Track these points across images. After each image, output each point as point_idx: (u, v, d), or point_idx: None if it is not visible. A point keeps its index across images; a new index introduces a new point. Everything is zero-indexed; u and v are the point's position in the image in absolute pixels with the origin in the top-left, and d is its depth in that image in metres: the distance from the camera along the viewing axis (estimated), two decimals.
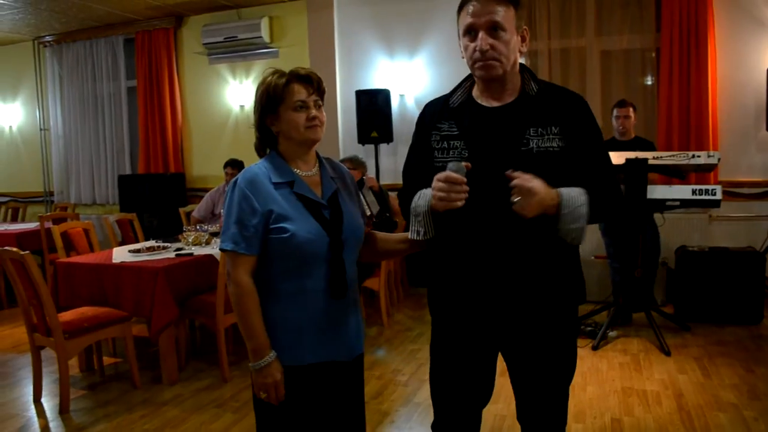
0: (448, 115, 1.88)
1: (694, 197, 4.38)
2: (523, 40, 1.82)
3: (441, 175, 1.70)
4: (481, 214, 1.76)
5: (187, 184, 7.65)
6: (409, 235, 1.88)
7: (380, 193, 5.20)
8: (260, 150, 1.95)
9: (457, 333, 1.90)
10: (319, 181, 1.92)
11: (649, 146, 5.13)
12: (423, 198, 1.81)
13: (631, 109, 5.14)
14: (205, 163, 7.66)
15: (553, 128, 1.77)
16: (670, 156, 4.44)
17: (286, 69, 1.88)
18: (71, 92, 8.25)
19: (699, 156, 4.37)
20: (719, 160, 4.42)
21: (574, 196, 1.71)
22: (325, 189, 1.90)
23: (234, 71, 7.36)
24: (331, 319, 1.86)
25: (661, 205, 4.53)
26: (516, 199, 1.65)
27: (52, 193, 8.61)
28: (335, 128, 6.76)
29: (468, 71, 1.88)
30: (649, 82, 6.11)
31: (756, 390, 3.64)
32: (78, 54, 8.16)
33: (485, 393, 1.98)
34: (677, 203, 4.45)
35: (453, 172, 1.68)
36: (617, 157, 4.50)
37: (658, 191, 4.46)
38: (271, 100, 1.85)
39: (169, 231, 6.30)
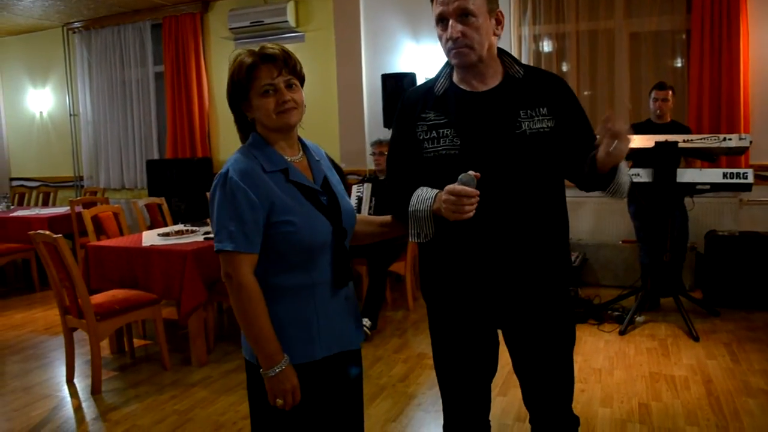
0: (433, 104, 1.84)
1: (725, 181, 4.31)
2: (498, 23, 1.80)
3: (454, 188, 1.64)
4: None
5: (214, 168, 7.71)
6: (410, 238, 1.81)
7: None
8: (241, 135, 1.82)
9: (455, 314, 1.90)
10: (308, 166, 1.80)
11: (686, 131, 5.05)
12: (423, 202, 1.75)
13: (670, 93, 5.05)
14: (231, 148, 7.64)
15: (541, 109, 1.78)
16: (700, 139, 4.37)
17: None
18: (100, 78, 8.35)
19: (730, 139, 4.29)
20: (751, 143, 4.34)
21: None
22: (315, 174, 1.79)
23: None
24: (338, 309, 1.78)
25: (691, 188, 4.47)
26: (614, 144, 1.61)
27: (81, 178, 8.74)
28: (361, 112, 6.74)
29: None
30: (679, 65, 6.00)
31: None
32: (106, 40, 8.24)
33: (489, 367, 1.98)
34: (707, 187, 4.38)
35: (464, 184, 1.63)
36: (647, 140, 4.45)
37: (688, 174, 4.39)
38: (238, 87, 1.70)
39: (197, 215, 6.37)
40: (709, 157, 4.87)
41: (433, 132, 1.82)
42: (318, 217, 1.70)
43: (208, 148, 7.78)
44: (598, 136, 1.65)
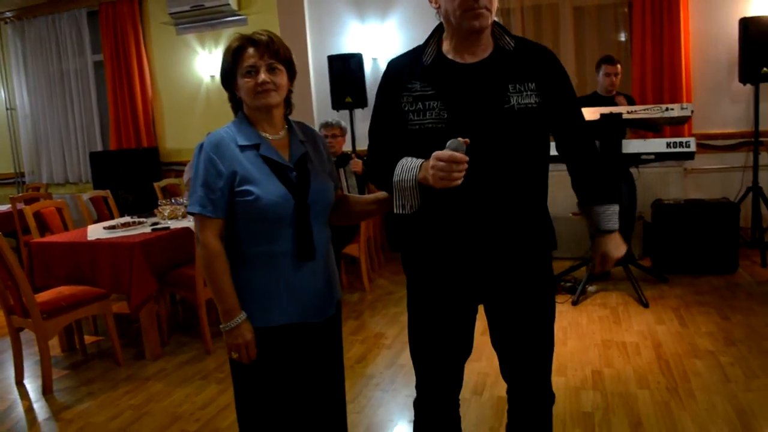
0: (420, 74, 1.78)
1: (669, 150, 4.40)
2: None
3: (443, 154, 1.60)
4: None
5: (161, 158, 7.55)
6: (394, 209, 1.80)
7: (362, 177, 5.07)
8: (235, 112, 1.95)
9: (437, 288, 1.87)
10: (287, 144, 1.91)
11: (631, 101, 5.14)
12: (408, 171, 1.72)
13: (618, 67, 5.13)
14: (178, 136, 7.55)
15: (529, 84, 1.74)
16: (644, 110, 4.45)
17: (272, 37, 1.84)
18: (36, 70, 8.06)
19: (672, 109, 4.38)
20: (692, 112, 4.44)
21: (606, 206, 1.92)
22: (293, 152, 1.89)
23: (203, 41, 7.22)
24: (299, 281, 1.87)
25: (637, 158, 4.56)
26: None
27: (23, 174, 8.47)
28: (309, 95, 6.68)
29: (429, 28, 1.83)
30: (623, 38, 6.10)
31: (731, 336, 3.71)
32: (40, 30, 7.95)
33: (466, 346, 1.96)
34: (652, 156, 4.47)
35: (453, 150, 1.60)
36: (592, 113, 4.51)
37: (633, 145, 4.47)
38: (227, 67, 1.86)
39: (145, 206, 6.23)
40: (653, 128, 4.97)
41: (419, 104, 1.76)
42: (280, 190, 1.81)
43: (154, 138, 7.61)
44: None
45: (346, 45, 6.58)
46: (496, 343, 1.97)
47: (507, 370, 1.98)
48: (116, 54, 7.48)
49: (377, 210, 2.03)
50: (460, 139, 1.61)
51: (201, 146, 1.83)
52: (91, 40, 7.78)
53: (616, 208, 1.92)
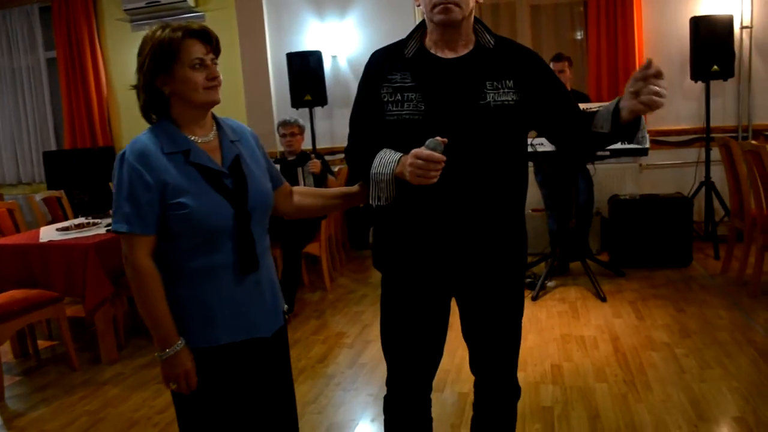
0: (401, 66, 1.81)
1: (623, 146, 4.44)
2: None
3: (422, 153, 1.63)
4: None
5: None
6: (369, 200, 1.80)
7: (320, 177, 5.01)
8: (147, 115, 1.73)
9: (411, 281, 1.88)
10: (218, 147, 1.74)
11: (584, 98, 5.21)
12: (386, 165, 1.74)
13: (566, 64, 5.20)
14: (134, 135, 7.29)
15: (507, 82, 1.77)
16: (598, 107, 4.49)
17: (215, 33, 1.75)
18: None
19: None
20: None
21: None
22: (225, 155, 1.73)
23: None
24: (245, 294, 1.73)
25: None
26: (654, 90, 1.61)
27: None
28: (268, 93, 6.61)
29: (410, 26, 1.87)
30: (579, 36, 6.19)
31: (686, 328, 3.80)
32: None
33: (439, 340, 1.96)
34: (607, 153, 4.53)
35: (431, 149, 1.63)
36: None
37: None
38: (164, 56, 1.63)
39: (100, 207, 6.09)
40: None
41: (398, 95, 1.78)
42: (217, 199, 1.66)
43: (110, 136, 7.44)
44: (630, 88, 1.63)
45: (305, 42, 6.53)
46: (467, 336, 2.00)
47: (476, 363, 2.01)
48: (70, 51, 7.29)
49: (342, 204, 1.99)
50: (438, 138, 1.64)
51: (122, 156, 1.64)
52: (43, 37, 7.55)
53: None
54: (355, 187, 1.96)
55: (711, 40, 5.22)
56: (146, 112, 1.73)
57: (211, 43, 1.69)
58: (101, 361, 3.90)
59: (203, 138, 1.73)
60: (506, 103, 1.76)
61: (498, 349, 1.96)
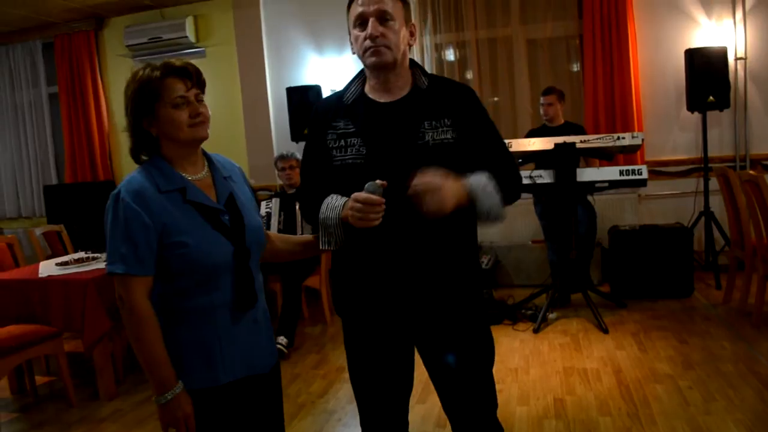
0: (343, 113, 1.86)
1: (622, 178, 4.50)
2: (411, 35, 1.86)
3: (360, 196, 1.67)
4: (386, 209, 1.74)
5: None
6: (320, 245, 1.82)
7: None
8: (137, 156, 1.74)
9: (369, 328, 1.88)
10: (212, 184, 1.74)
11: (579, 130, 5.25)
12: (332, 210, 1.78)
13: (555, 97, 5.26)
14: (134, 169, 7.42)
15: (445, 120, 1.80)
16: (596, 139, 4.55)
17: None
18: None
19: (624, 137, 4.49)
20: (643, 140, 4.56)
21: (479, 177, 1.74)
22: (219, 192, 1.73)
23: None
24: (242, 332, 1.72)
25: (591, 187, 4.65)
26: (429, 205, 1.62)
27: None
28: (268, 127, 6.66)
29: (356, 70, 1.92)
30: (575, 69, 6.25)
31: (690, 360, 3.77)
32: None
33: (407, 382, 1.96)
34: (606, 184, 4.56)
35: (370, 193, 1.66)
36: (546, 143, 4.60)
37: (587, 173, 4.56)
38: (145, 98, 1.64)
39: (100, 241, 6.08)
40: (606, 156, 5.07)
41: (342, 141, 1.82)
42: (216, 237, 1.66)
43: (111, 171, 7.47)
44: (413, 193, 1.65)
45: (304, 77, 6.60)
46: (434, 383, 1.96)
47: (448, 408, 1.97)
48: (72, 86, 7.36)
49: (302, 252, 1.99)
50: (378, 181, 1.67)
51: (117, 195, 1.62)
52: (46, 72, 7.64)
53: (493, 192, 1.74)
54: (310, 236, 1.95)
55: (706, 72, 5.28)
56: (136, 153, 1.74)
57: (191, 78, 1.67)
58: (99, 397, 3.85)
59: (195, 176, 1.72)
60: (445, 141, 1.79)
61: (468, 394, 1.91)
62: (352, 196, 1.70)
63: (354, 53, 1.86)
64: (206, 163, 1.78)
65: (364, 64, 1.84)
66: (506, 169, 1.85)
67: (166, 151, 1.70)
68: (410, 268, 1.78)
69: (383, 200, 1.66)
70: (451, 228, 1.80)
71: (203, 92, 1.71)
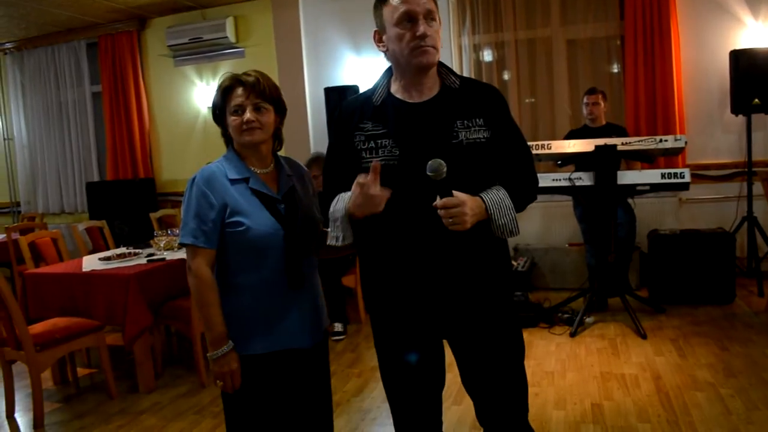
0: (371, 114, 1.84)
1: (664, 181, 4.42)
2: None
3: (362, 179, 1.71)
4: (416, 209, 1.75)
5: (157, 189, 7.54)
6: (327, 240, 1.86)
7: None
8: (227, 146, 2.03)
9: (398, 326, 1.89)
10: (276, 178, 2.01)
11: (621, 132, 5.18)
12: (340, 201, 1.80)
13: (600, 96, 5.19)
14: (174, 167, 7.56)
15: (477, 120, 1.80)
16: (638, 141, 4.48)
17: (254, 69, 1.94)
18: (34, 100, 8.09)
19: (666, 140, 4.41)
20: (686, 143, 4.47)
21: (495, 193, 1.77)
22: (281, 185, 1.99)
23: (200, 73, 7.27)
24: (285, 308, 1.94)
25: (632, 189, 4.57)
26: (450, 219, 1.67)
27: (18, 204, 8.44)
28: (306, 127, 6.71)
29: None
30: (615, 70, 6.17)
31: (731, 368, 3.69)
32: (40, 60, 8.00)
33: (438, 379, 1.96)
34: (647, 188, 4.49)
35: (434, 170, 1.66)
36: (586, 145, 4.54)
37: (628, 176, 4.49)
38: (217, 105, 1.95)
39: (141, 237, 6.20)
40: (647, 159, 5.00)
41: (371, 142, 1.82)
42: (270, 221, 1.90)
43: (150, 169, 7.62)
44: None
45: (342, 77, 6.63)
46: (467, 385, 1.96)
47: (482, 413, 1.96)
48: (114, 85, 7.52)
49: (330, 253, 2.07)
50: (440, 161, 1.67)
51: (193, 180, 1.92)
52: (89, 71, 7.82)
53: (508, 209, 1.78)
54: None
55: (752, 74, 5.16)
56: (225, 142, 2.04)
57: (249, 87, 1.89)
58: (139, 390, 3.93)
59: (262, 170, 1.99)
60: (479, 140, 1.78)
61: (499, 395, 1.90)
62: (356, 180, 1.72)
63: (384, 51, 1.83)
64: (273, 161, 2.02)
65: (406, 63, 1.79)
66: (525, 175, 1.88)
67: (237, 147, 1.99)
68: (442, 267, 1.79)
69: (374, 179, 1.69)
70: (482, 229, 1.79)
71: (268, 101, 1.92)
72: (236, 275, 1.92)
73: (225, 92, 1.92)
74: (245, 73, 1.93)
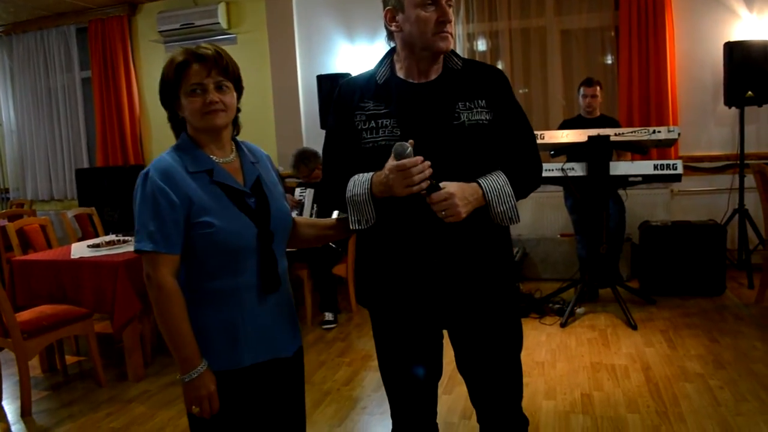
0: (373, 93, 1.81)
1: (656, 172, 4.42)
2: None
3: (396, 165, 1.62)
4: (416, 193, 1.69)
5: None
6: (350, 225, 1.77)
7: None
8: (174, 130, 1.79)
9: (398, 315, 1.86)
10: (240, 168, 1.76)
11: (615, 124, 5.17)
12: (360, 186, 1.73)
13: (597, 88, 5.18)
14: None
15: (479, 101, 1.78)
16: (631, 132, 4.48)
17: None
18: (23, 85, 7.99)
19: (659, 131, 4.41)
20: (679, 134, 4.47)
21: (494, 179, 1.73)
22: (246, 176, 1.75)
23: None
24: (266, 315, 1.73)
25: (624, 180, 4.57)
26: (443, 212, 1.64)
27: (7, 190, 8.37)
28: (298, 115, 6.66)
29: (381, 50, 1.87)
30: (609, 61, 6.15)
31: (720, 359, 3.70)
32: (29, 45, 7.90)
33: (436, 369, 1.95)
34: (639, 179, 4.49)
35: (400, 155, 1.62)
36: (580, 135, 4.53)
37: (620, 167, 4.49)
38: (168, 85, 1.67)
39: (130, 224, 6.15)
40: (640, 150, 4.99)
41: (372, 122, 1.78)
42: (241, 218, 1.67)
43: (141, 155, 7.56)
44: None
45: (335, 65, 6.59)
46: (462, 370, 1.96)
47: (476, 397, 1.96)
48: (104, 71, 7.44)
49: (333, 236, 1.96)
50: (404, 143, 1.64)
51: (146, 174, 1.64)
52: (79, 57, 7.74)
53: (509, 196, 1.74)
54: (343, 216, 1.87)
55: (746, 66, 5.15)
56: (176, 134, 1.79)
57: (213, 64, 1.66)
58: (128, 378, 3.91)
59: (224, 159, 1.74)
60: (480, 122, 1.76)
61: (496, 382, 1.90)
62: (387, 167, 1.65)
63: (397, 31, 1.77)
64: (234, 148, 1.79)
65: (423, 47, 1.74)
66: (528, 159, 1.84)
67: (193, 134, 1.73)
68: (443, 254, 1.76)
69: (421, 158, 1.62)
70: (483, 214, 1.76)
71: (230, 78, 1.70)
72: (206, 281, 1.66)
73: (179, 69, 1.64)
74: (201, 46, 1.67)
